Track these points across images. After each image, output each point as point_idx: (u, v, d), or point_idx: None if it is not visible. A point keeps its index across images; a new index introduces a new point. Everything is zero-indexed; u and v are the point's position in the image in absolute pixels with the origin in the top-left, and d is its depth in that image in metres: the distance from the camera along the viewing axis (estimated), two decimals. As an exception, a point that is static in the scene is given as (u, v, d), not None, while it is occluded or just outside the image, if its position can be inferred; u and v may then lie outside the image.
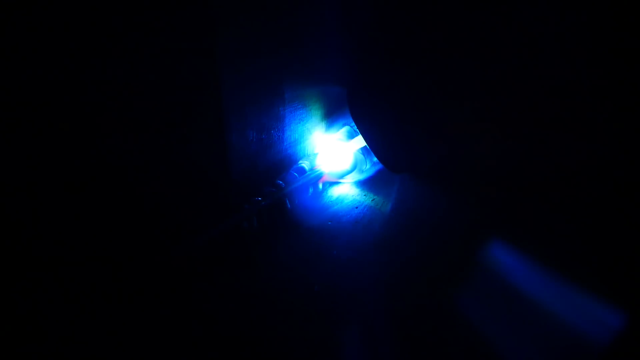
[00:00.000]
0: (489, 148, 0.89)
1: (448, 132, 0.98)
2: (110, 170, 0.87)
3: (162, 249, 0.86)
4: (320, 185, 1.27)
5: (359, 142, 1.27)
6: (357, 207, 1.19)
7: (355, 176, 1.35)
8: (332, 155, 1.30)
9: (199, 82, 0.89)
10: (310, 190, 1.24)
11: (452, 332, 0.71)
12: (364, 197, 1.26)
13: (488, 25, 0.78)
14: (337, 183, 1.35)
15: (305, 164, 1.25)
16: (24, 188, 0.78)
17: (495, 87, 0.82)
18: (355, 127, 1.25)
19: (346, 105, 1.22)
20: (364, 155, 1.32)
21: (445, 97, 0.93)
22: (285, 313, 0.81)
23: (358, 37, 1.08)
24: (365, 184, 1.34)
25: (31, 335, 0.70)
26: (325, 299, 0.85)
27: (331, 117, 1.35)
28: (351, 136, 1.33)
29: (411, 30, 0.92)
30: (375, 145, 1.19)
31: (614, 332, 0.62)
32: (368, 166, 1.35)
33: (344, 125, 1.38)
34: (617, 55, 0.64)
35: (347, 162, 1.30)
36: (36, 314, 0.73)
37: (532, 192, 0.80)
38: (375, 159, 1.27)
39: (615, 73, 0.66)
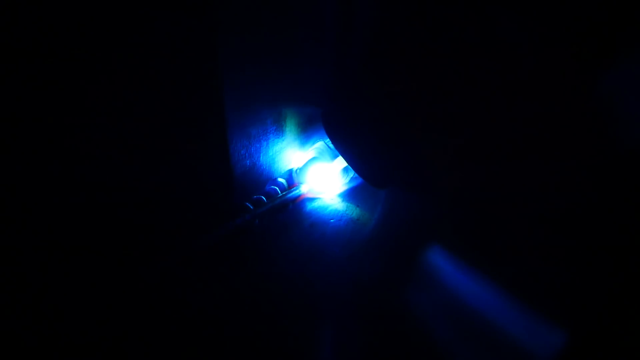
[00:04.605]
0: (466, 169, 0.90)
1: (425, 148, 0.97)
2: (109, 172, 0.87)
3: (164, 250, 0.86)
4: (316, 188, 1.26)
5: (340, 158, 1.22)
6: (358, 206, 1.19)
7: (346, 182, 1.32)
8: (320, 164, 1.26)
9: (200, 79, 0.88)
10: (311, 189, 1.24)
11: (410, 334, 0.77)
12: (365, 193, 1.25)
13: (471, 52, 0.78)
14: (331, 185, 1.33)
15: (303, 164, 1.24)
16: (24, 192, 0.78)
17: (476, 108, 0.82)
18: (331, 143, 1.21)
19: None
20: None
21: (424, 115, 0.92)
22: (283, 311, 0.82)
23: (337, 53, 1.07)
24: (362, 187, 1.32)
25: (32, 336, 0.70)
26: (323, 297, 0.85)
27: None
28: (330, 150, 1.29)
29: (393, 49, 0.91)
30: (355, 162, 1.16)
31: (556, 350, 0.64)
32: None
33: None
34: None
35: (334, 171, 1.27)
36: (38, 315, 0.74)
37: (501, 211, 0.82)
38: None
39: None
